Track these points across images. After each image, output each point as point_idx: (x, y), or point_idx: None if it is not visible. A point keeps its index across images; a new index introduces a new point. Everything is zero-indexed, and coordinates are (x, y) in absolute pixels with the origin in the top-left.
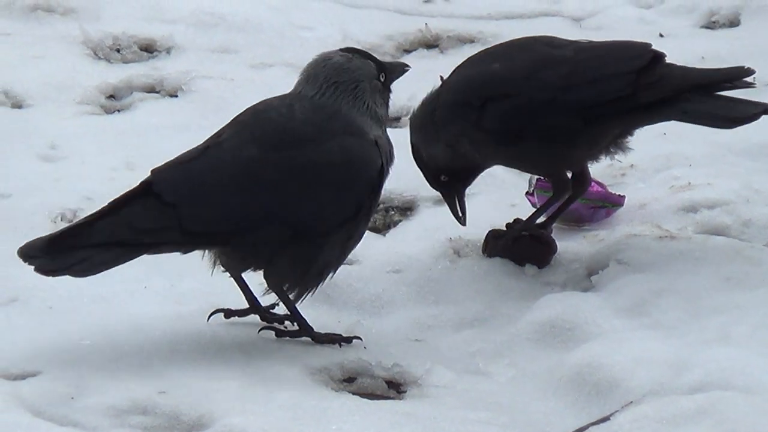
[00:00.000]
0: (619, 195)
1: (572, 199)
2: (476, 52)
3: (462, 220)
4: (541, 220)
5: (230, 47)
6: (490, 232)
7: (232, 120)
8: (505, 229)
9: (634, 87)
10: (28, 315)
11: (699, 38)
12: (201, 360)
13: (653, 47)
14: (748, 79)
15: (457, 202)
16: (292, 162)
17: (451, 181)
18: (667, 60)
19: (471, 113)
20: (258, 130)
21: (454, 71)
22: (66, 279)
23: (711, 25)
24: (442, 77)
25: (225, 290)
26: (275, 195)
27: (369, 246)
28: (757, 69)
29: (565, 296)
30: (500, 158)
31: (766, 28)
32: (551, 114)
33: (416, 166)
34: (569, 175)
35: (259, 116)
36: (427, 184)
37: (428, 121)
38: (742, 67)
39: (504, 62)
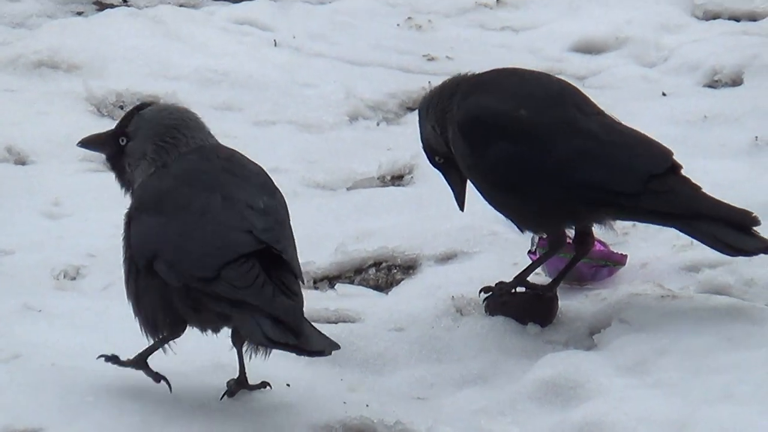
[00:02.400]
0: (622, 254)
1: (577, 259)
2: (508, 66)
3: (460, 205)
4: (534, 276)
5: (234, 104)
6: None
7: None
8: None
9: (641, 189)
10: (30, 371)
11: (702, 97)
12: (203, 417)
13: (673, 156)
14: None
15: (454, 184)
16: None
17: (446, 164)
18: (683, 172)
19: (479, 143)
20: None
21: (478, 80)
22: (69, 336)
23: (714, 84)
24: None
25: (227, 347)
26: None
27: (372, 304)
28: (760, 128)
29: (567, 355)
30: (485, 192)
31: (765, 88)
32: (552, 182)
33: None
34: (573, 234)
35: None
36: (429, 244)
37: (431, 103)
38: (751, 213)
39: (531, 112)
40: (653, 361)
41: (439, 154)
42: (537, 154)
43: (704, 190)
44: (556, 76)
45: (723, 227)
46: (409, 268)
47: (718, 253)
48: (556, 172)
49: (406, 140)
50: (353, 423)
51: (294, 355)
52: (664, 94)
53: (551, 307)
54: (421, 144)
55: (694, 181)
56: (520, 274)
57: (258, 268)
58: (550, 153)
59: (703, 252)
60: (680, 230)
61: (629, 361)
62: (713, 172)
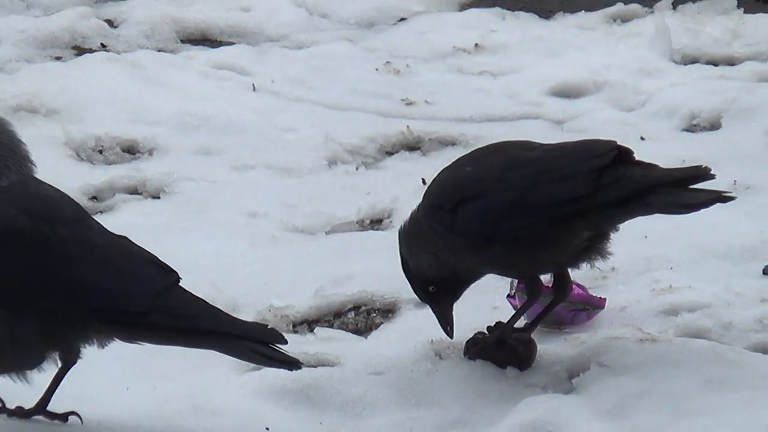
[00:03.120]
0: (600, 298)
1: (555, 304)
2: (459, 156)
3: (450, 333)
4: (521, 322)
5: (213, 149)
6: (472, 338)
7: None
8: (486, 332)
9: (595, 186)
10: None
11: (680, 141)
12: None
13: (618, 144)
14: (728, 193)
15: (445, 314)
16: None
17: (439, 292)
18: (635, 157)
19: (445, 218)
20: None
21: (434, 178)
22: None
23: (692, 128)
24: (424, 180)
25: (204, 390)
26: None
27: (351, 348)
28: (738, 172)
29: (546, 398)
30: (477, 263)
31: (747, 132)
32: (518, 214)
33: (405, 277)
34: (548, 277)
35: None
36: (409, 287)
37: (414, 231)
38: (700, 166)
39: (476, 165)
40: (632, 405)
41: (432, 283)
42: (494, 197)
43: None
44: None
45: (674, 192)
46: (388, 311)
47: (697, 297)
48: (516, 205)
49: (385, 184)
50: None
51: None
52: (642, 138)
53: (530, 351)
54: (406, 277)
55: (646, 161)
56: (505, 325)
57: None
58: (504, 191)
59: (682, 295)
60: (640, 213)
61: (608, 405)
62: (692, 216)
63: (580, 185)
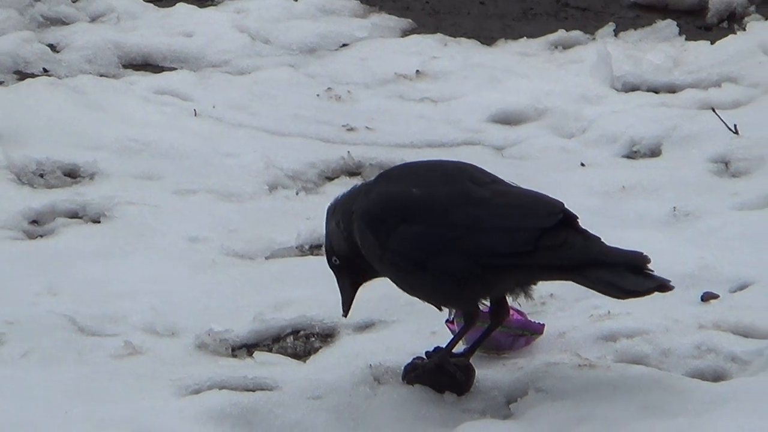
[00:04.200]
0: (539, 323)
1: (493, 329)
2: (410, 161)
3: (345, 311)
4: (459, 348)
5: (154, 174)
6: (410, 363)
7: None
8: (424, 357)
9: (535, 246)
10: None
11: (620, 168)
12: None
13: (564, 208)
14: (668, 283)
15: (343, 290)
16: None
17: (342, 267)
18: (579, 222)
19: (381, 229)
20: None
21: (381, 176)
22: None
23: (632, 155)
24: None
25: (144, 414)
26: None
27: (289, 372)
28: (678, 199)
29: (484, 424)
30: (398, 281)
31: (687, 159)
32: (453, 253)
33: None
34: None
35: None
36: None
37: (343, 206)
38: (642, 253)
39: (425, 189)
40: (570, 431)
41: (337, 255)
42: (434, 228)
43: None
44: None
45: (616, 272)
46: (327, 336)
47: (636, 323)
48: (455, 243)
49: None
50: None
51: None
52: (582, 165)
53: (468, 376)
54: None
55: (590, 232)
56: (443, 350)
57: None
58: (446, 225)
59: (620, 322)
60: (575, 281)
61: (546, 430)
62: (631, 243)
63: (520, 242)
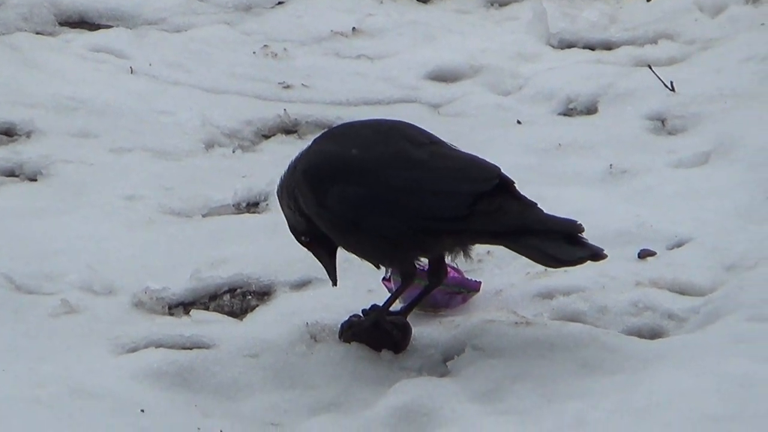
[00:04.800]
0: (476, 281)
1: (430, 288)
2: (348, 121)
3: (332, 280)
4: (398, 307)
5: (90, 132)
6: (347, 321)
7: None
8: (361, 315)
9: (470, 211)
10: None
11: (556, 125)
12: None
13: (501, 173)
14: (601, 252)
15: (323, 262)
16: None
17: (312, 242)
18: (517, 189)
19: (319, 187)
20: None
21: (323, 135)
22: None
23: (569, 113)
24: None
25: (81, 372)
26: None
27: (226, 330)
28: (614, 156)
29: (421, 381)
30: (335, 238)
31: (623, 116)
32: (389, 215)
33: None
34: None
35: None
36: (284, 271)
37: (287, 184)
38: (575, 222)
39: (362, 150)
40: (507, 388)
41: (302, 233)
42: (371, 189)
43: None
44: (411, 103)
45: (549, 240)
46: (264, 294)
47: (572, 281)
48: (391, 205)
49: (262, 168)
50: None
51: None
52: (519, 122)
53: (405, 334)
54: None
55: (527, 197)
56: (380, 308)
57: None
58: (383, 187)
59: (557, 279)
60: (508, 247)
61: (483, 388)
62: (568, 200)
63: (454, 206)
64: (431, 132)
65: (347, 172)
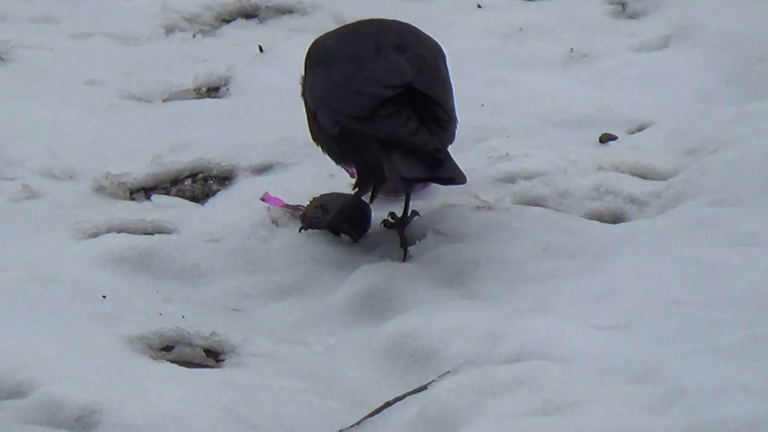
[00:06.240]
0: None
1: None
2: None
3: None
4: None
5: (51, 17)
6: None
7: None
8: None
9: (372, 113)
10: None
11: (517, 9)
12: (18, 328)
13: (411, 83)
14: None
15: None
16: None
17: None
18: (427, 95)
19: (304, 75)
20: None
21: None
22: None
23: None
24: (261, 47)
25: (42, 257)
26: None
27: (188, 215)
28: (575, 40)
29: (382, 266)
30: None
31: (580, 0)
32: (329, 108)
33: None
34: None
35: None
36: (245, 155)
37: None
38: (435, 144)
39: (333, 42)
40: (468, 272)
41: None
42: (323, 80)
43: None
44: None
45: (408, 156)
46: (225, 179)
47: (534, 164)
48: (328, 98)
49: (222, 52)
50: (169, 334)
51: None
52: (479, 6)
53: (367, 218)
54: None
55: (442, 112)
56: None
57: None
58: (328, 80)
59: (518, 163)
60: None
61: (444, 273)
62: (529, 85)
63: (360, 106)
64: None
65: (317, 63)
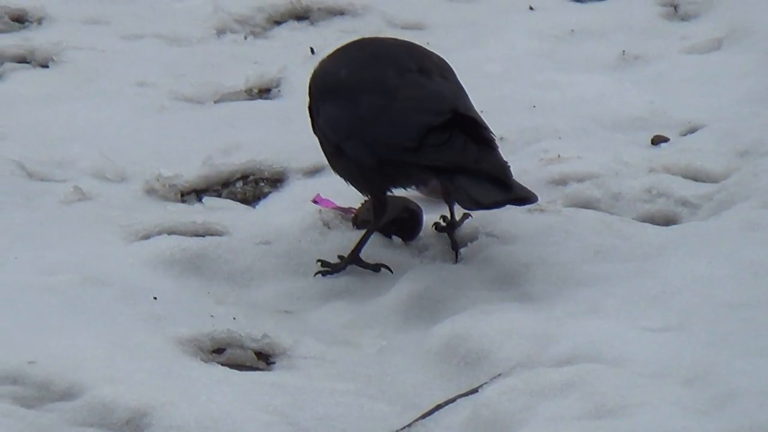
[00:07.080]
0: None
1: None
2: (352, 41)
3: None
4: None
5: (101, 18)
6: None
7: None
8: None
9: (420, 143)
10: None
11: (569, 11)
12: (69, 330)
13: (456, 108)
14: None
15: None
16: None
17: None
18: (483, 128)
19: (313, 102)
20: None
21: (332, 52)
22: None
23: None
24: (312, 49)
25: (93, 260)
26: None
27: (239, 217)
28: (627, 42)
29: (434, 268)
30: (328, 160)
31: (636, 2)
32: (362, 141)
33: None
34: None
35: None
36: (296, 157)
37: None
38: (506, 165)
39: (349, 72)
40: (520, 275)
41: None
42: (348, 113)
43: (496, 139)
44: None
45: (477, 181)
46: (276, 181)
47: (586, 167)
48: (361, 131)
49: (273, 54)
50: (220, 336)
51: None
52: (531, 8)
53: (418, 221)
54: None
55: (487, 133)
56: (351, 254)
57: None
58: (355, 112)
59: (570, 165)
60: (445, 185)
61: (496, 275)
62: (580, 87)
63: (406, 137)
64: (428, 54)
65: (333, 93)
